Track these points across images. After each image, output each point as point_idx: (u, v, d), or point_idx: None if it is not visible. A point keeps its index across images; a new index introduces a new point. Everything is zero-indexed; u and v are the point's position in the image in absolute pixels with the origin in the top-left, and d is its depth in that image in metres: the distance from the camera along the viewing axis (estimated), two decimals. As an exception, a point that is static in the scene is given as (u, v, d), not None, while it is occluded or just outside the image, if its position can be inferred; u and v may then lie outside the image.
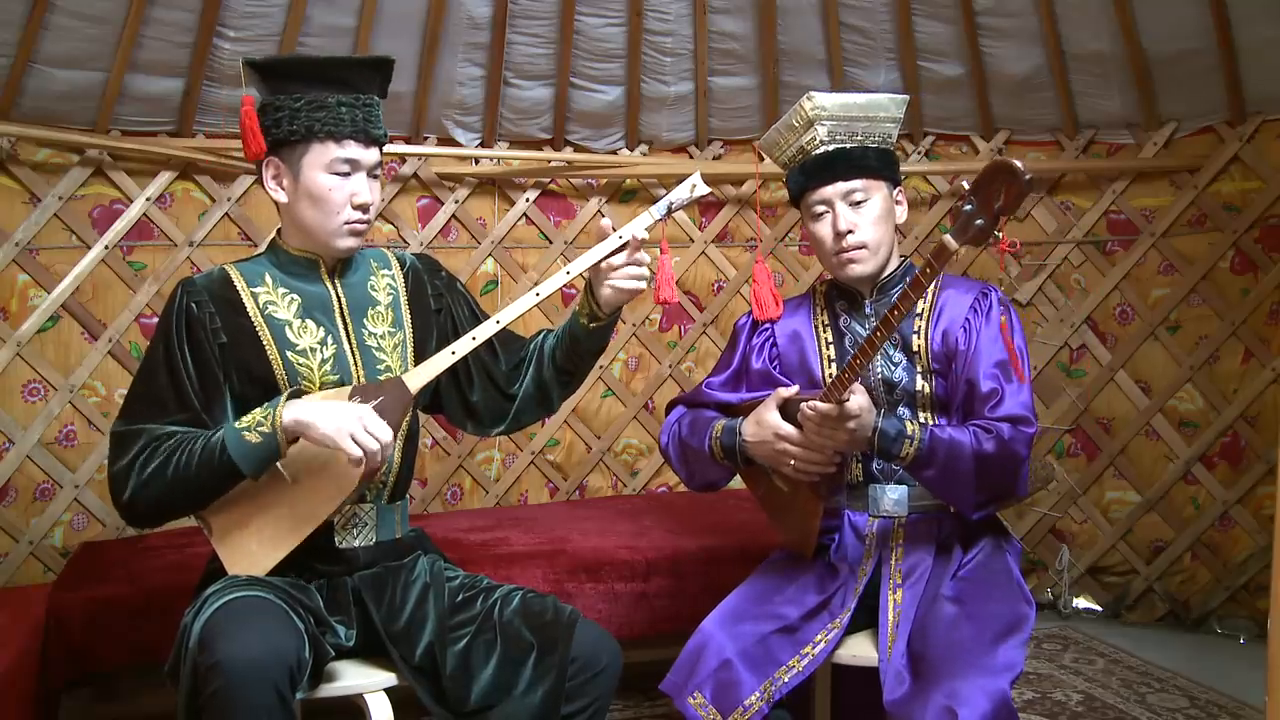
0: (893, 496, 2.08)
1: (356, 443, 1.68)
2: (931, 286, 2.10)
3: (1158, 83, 3.45)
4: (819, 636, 1.96)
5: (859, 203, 2.04)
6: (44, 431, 3.09)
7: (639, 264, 1.83)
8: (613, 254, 1.83)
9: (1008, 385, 1.99)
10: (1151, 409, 3.58)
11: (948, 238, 1.67)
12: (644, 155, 3.71)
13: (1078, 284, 3.70)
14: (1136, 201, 3.63)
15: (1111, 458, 3.65)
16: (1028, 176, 1.58)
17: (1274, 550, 1.46)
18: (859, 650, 2.00)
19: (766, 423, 1.98)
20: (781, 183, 3.75)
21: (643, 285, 1.85)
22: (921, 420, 2.06)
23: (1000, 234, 1.64)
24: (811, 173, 2.07)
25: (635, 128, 3.65)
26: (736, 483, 3.49)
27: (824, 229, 2.07)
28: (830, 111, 2.05)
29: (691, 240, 3.74)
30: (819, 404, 1.86)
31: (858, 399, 1.86)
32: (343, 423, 1.69)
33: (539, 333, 2.03)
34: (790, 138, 2.12)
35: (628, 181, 3.70)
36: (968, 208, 1.64)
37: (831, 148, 2.05)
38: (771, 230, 3.79)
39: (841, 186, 2.04)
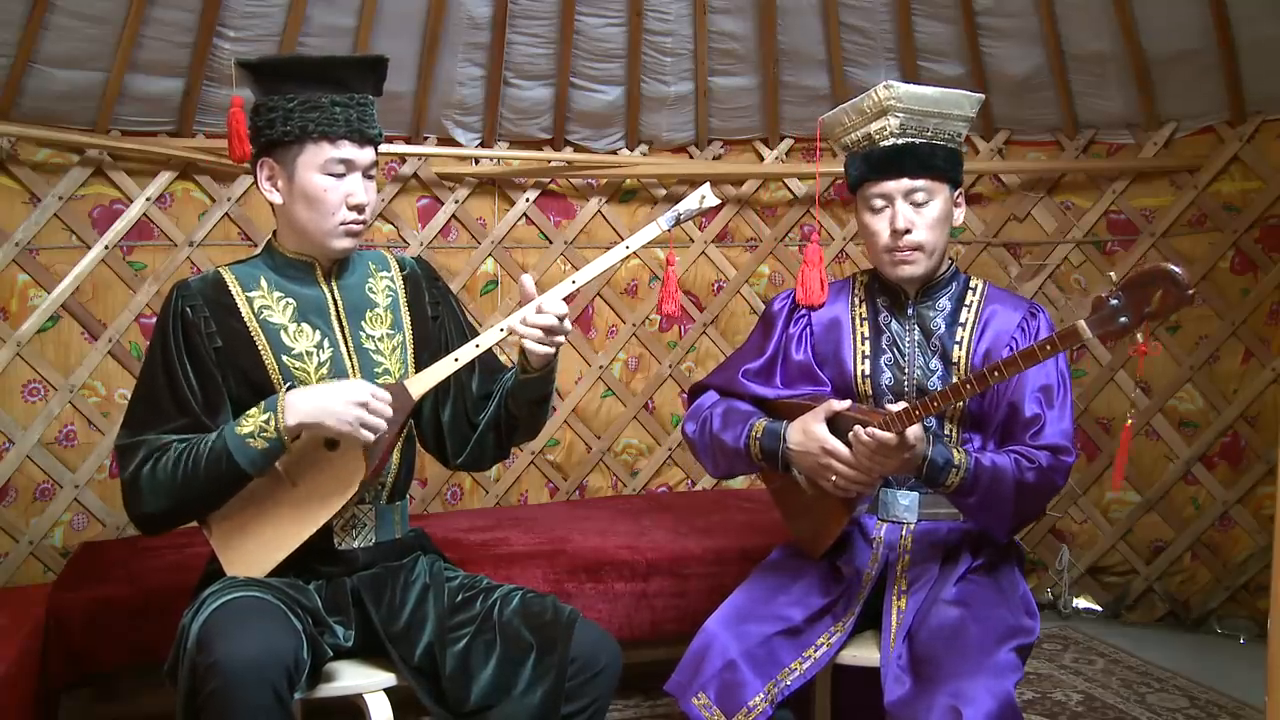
0: (904, 502, 2.07)
1: (368, 427, 1.72)
2: (977, 298, 2.09)
3: (1158, 83, 3.44)
4: (822, 640, 1.96)
5: (921, 203, 2.00)
6: (44, 431, 3.09)
7: (547, 329, 1.78)
8: (534, 313, 1.78)
9: (1050, 412, 1.98)
10: (1151, 409, 3.58)
11: (1082, 325, 1.65)
12: (644, 155, 3.71)
13: (1078, 284, 3.70)
14: (1136, 201, 3.62)
15: (1112, 458, 3.65)
16: (1190, 291, 1.56)
17: (1274, 550, 1.45)
18: (860, 652, 1.99)
19: (814, 435, 1.94)
20: (781, 183, 3.78)
21: (537, 348, 1.79)
22: (948, 431, 2.05)
23: (1141, 336, 1.62)
24: (877, 165, 2.01)
25: (635, 128, 3.65)
26: (738, 483, 3.52)
27: (880, 224, 2.02)
28: (905, 103, 1.99)
29: (691, 240, 3.74)
30: (878, 431, 1.82)
31: (913, 429, 1.83)
32: (345, 417, 1.71)
33: (512, 369, 1.99)
34: (858, 122, 2.06)
35: (628, 181, 3.70)
36: (1114, 302, 1.62)
37: (901, 141, 2.00)
38: (771, 230, 3.79)
39: (905, 184, 1.99)
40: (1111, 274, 1.67)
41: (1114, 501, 3.67)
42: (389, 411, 1.75)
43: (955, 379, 2.01)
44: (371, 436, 1.73)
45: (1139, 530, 3.61)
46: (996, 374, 1.76)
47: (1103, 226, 3.67)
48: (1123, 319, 1.62)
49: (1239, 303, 3.46)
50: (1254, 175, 3.43)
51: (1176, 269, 1.58)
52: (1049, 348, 1.70)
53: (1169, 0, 3.24)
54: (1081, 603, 3.67)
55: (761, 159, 3.78)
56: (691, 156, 3.76)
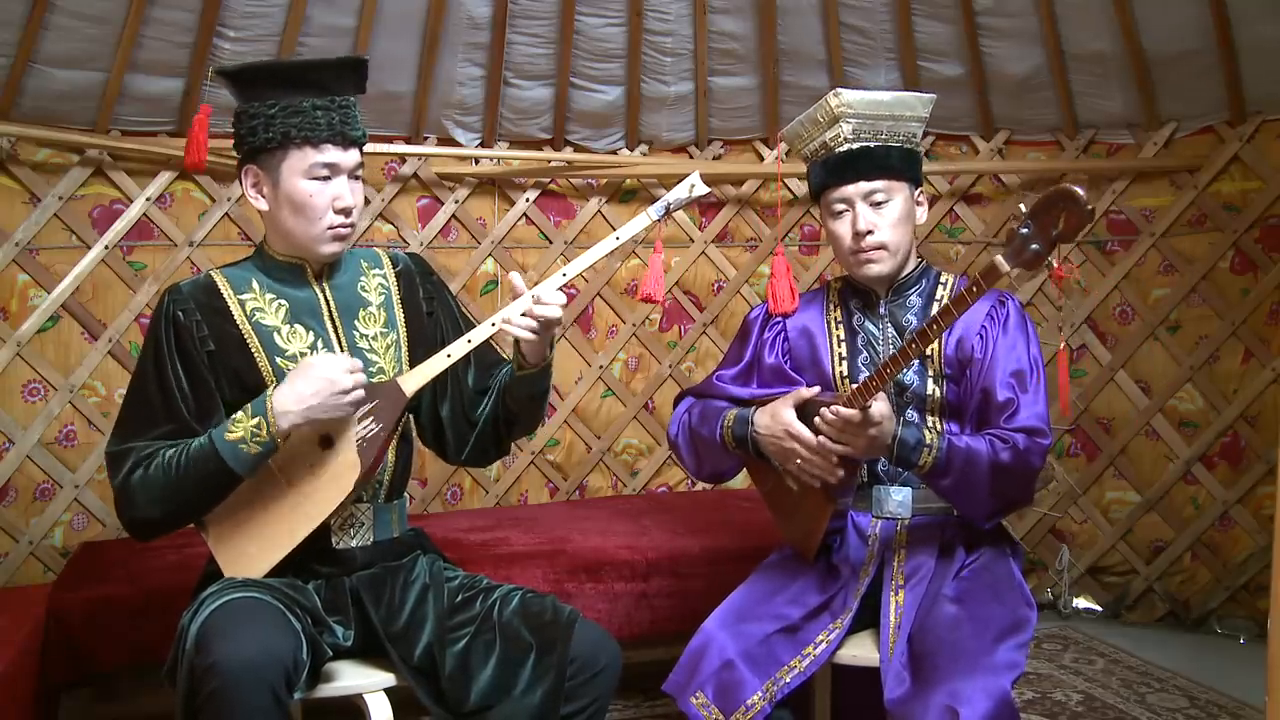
0: (897, 498, 2.08)
1: (353, 402, 1.74)
2: (947, 292, 2.11)
3: (1158, 83, 3.44)
4: (820, 637, 1.96)
5: (880, 203, 2.02)
6: (44, 431, 3.09)
7: (537, 318, 1.78)
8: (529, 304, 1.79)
9: (1023, 395, 1.99)
10: (1151, 409, 3.58)
11: (1000, 259, 1.67)
12: (644, 155, 3.71)
13: (1078, 284, 3.70)
14: (1136, 201, 3.62)
15: (1111, 458, 3.65)
16: (1089, 206, 1.58)
17: (1274, 550, 1.45)
18: (859, 651, 2.00)
19: (780, 418, 1.97)
20: (781, 183, 3.78)
21: (530, 336, 1.79)
22: (930, 424, 2.05)
23: (1055, 261, 1.64)
24: (833, 170, 2.04)
25: (635, 128, 3.65)
26: (737, 483, 3.52)
27: (843, 228, 2.05)
28: (856, 109, 2.02)
29: (691, 240, 3.74)
30: (841, 409, 1.85)
31: (879, 406, 1.85)
32: (337, 406, 1.72)
33: (508, 363, 1.99)
34: (814, 132, 2.09)
35: (628, 181, 3.70)
36: (1024, 230, 1.64)
37: (855, 146, 2.02)
38: (771, 230, 3.79)
39: (863, 186, 2.02)
40: (1021, 205, 1.68)
41: (1114, 501, 3.67)
42: (364, 378, 1.76)
43: (929, 368, 2.05)
44: (358, 402, 1.75)
45: (1139, 530, 3.61)
46: (935, 326, 1.78)
47: (1103, 226, 3.67)
48: (1034, 246, 1.64)
49: (1239, 303, 3.45)
50: (1254, 175, 3.43)
51: (1075, 188, 1.59)
52: (975, 289, 1.72)
53: (1169, 0, 3.24)
54: (1081, 603, 3.67)
55: (761, 159, 3.78)
56: (691, 156, 3.76)
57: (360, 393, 1.75)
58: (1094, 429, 3.68)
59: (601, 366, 3.69)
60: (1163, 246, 3.57)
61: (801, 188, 3.75)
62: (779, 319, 2.22)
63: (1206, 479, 3.50)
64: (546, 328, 1.81)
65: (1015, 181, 3.74)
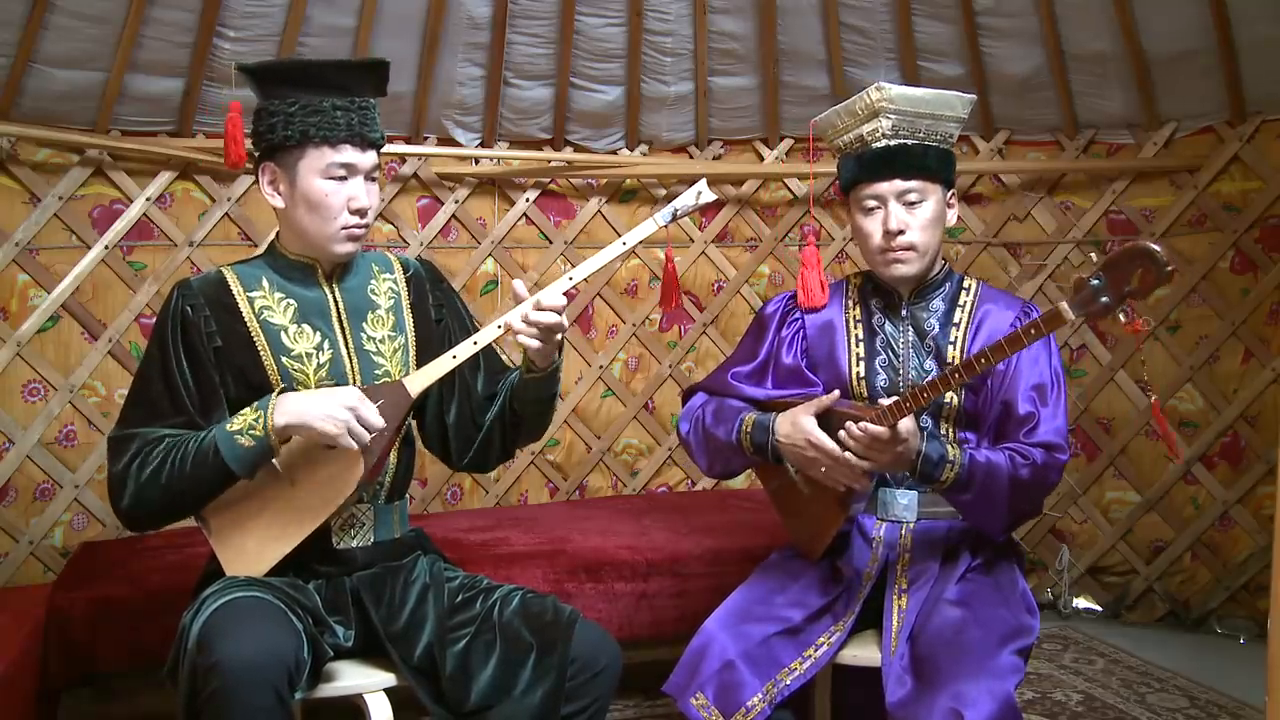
0: (902, 501, 2.07)
1: (353, 435, 1.71)
2: (971, 298, 2.09)
3: (1158, 83, 3.45)
4: (821, 639, 1.96)
5: (913, 203, 1.99)
6: (44, 431, 3.09)
7: (536, 324, 1.76)
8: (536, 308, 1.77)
9: (1044, 409, 1.97)
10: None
11: (1065, 306, 1.66)
12: (644, 155, 3.71)
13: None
14: (1136, 201, 3.63)
15: (1111, 458, 3.65)
16: (1170, 267, 1.57)
17: (1274, 550, 1.45)
18: (861, 651, 1.99)
19: (802, 427, 1.94)
20: (780, 183, 3.78)
21: (534, 344, 1.78)
22: (945, 431, 2.05)
23: (1123, 316, 1.63)
24: (868, 166, 2.01)
25: (635, 128, 3.65)
26: (738, 483, 3.52)
27: (873, 225, 2.02)
28: (897, 104, 1.99)
29: (691, 240, 3.74)
30: (870, 425, 1.83)
31: (906, 423, 1.83)
32: (336, 417, 1.70)
33: (516, 368, 1.98)
34: (850, 124, 2.05)
35: (628, 181, 3.70)
36: (1095, 282, 1.63)
37: (893, 143, 1.99)
38: (771, 230, 3.79)
39: (898, 185, 1.99)
40: (1093, 254, 1.67)
41: (1114, 501, 3.67)
42: (380, 422, 1.74)
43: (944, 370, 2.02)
44: (354, 445, 1.72)
45: (1139, 530, 3.61)
46: (983, 360, 1.76)
47: (1103, 226, 3.67)
48: (1104, 299, 1.63)
49: (1239, 303, 3.45)
50: (1254, 175, 3.43)
51: (1156, 246, 1.59)
52: (1033, 332, 1.71)
53: (1169, 0, 3.24)
54: (1081, 603, 3.67)
55: (761, 159, 3.78)
56: (691, 156, 3.76)
57: (364, 433, 1.72)
58: (1094, 429, 3.68)
59: (601, 366, 3.69)
60: (1163, 246, 3.56)
61: (801, 188, 3.75)
62: (798, 314, 2.18)
63: (1206, 479, 3.50)
64: (549, 333, 1.79)
65: (1015, 181, 3.74)
